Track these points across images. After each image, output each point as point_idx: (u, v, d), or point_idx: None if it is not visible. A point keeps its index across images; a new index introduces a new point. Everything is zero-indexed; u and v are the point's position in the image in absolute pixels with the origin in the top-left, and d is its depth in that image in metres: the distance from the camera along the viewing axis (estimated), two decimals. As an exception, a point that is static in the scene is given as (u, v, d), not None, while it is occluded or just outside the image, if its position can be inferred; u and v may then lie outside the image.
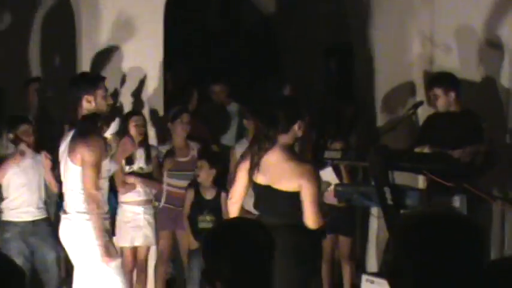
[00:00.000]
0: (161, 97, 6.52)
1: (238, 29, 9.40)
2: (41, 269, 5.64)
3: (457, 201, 5.26)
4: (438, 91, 5.80)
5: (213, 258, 2.31)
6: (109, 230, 4.96)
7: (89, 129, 4.80)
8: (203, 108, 6.98)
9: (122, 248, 5.86)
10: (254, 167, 4.39)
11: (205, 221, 5.86)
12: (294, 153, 4.43)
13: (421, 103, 6.07)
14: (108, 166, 4.89)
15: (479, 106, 5.93)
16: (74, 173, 4.76)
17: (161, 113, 6.47)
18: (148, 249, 6.04)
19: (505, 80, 6.15)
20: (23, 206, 5.60)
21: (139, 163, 5.92)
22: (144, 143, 5.92)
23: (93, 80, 5.01)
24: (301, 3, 8.96)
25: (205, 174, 5.85)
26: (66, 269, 6.00)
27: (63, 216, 4.87)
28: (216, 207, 5.90)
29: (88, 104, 4.81)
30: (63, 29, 7.69)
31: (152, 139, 6.29)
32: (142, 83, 6.45)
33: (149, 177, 5.94)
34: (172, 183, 6.04)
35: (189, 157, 6.05)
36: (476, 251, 1.99)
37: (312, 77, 8.32)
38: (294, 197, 4.33)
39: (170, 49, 6.70)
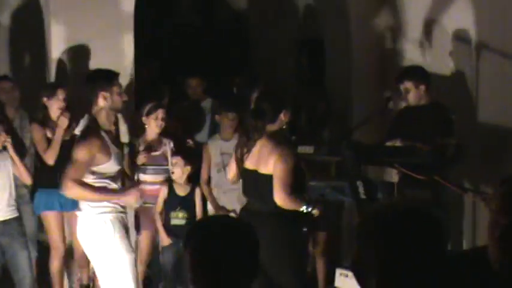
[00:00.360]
0: (132, 96, 6.42)
1: (210, 25, 9.39)
2: (12, 269, 5.56)
3: (428, 194, 5.32)
4: (409, 84, 5.83)
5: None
6: (126, 225, 4.94)
7: (92, 130, 4.77)
8: (178, 105, 6.96)
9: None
10: (242, 158, 4.78)
11: (178, 218, 5.84)
12: (279, 137, 4.73)
13: (391, 97, 6.13)
14: (112, 167, 4.82)
15: (448, 99, 5.98)
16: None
17: (132, 111, 6.37)
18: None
19: (472, 73, 6.19)
20: None
21: None
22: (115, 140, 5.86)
23: (109, 76, 4.98)
24: None
25: (180, 171, 5.84)
26: (39, 269, 5.99)
27: (77, 214, 4.87)
28: (189, 204, 5.89)
29: (104, 101, 4.80)
30: (32, 27, 7.64)
31: (124, 135, 6.22)
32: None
33: (121, 174, 5.80)
34: (147, 179, 5.99)
35: (161, 151, 6.01)
36: (435, 242, 1.99)
37: (283, 71, 8.35)
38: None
39: (141, 45, 6.67)
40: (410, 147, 5.56)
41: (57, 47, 6.34)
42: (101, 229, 4.73)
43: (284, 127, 4.84)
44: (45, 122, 5.95)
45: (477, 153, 6.00)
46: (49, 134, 5.89)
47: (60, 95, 5.91)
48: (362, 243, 2.04)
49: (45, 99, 5.93)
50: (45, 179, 5.84)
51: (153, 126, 5.96)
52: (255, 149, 4.73)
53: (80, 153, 4.64)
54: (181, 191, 5.89)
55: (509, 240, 2.19)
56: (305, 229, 4.90)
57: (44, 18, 6.56)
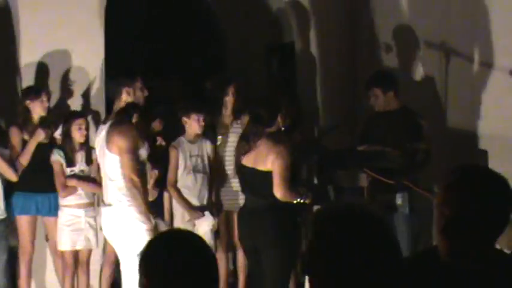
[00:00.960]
0: (103, 98, 6.45)
1: (184, 30, 9.43)
2: None
3: (399, 199, 5.41)
4: (377, 91, 5.85)
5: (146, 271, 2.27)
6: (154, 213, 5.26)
7: (123, 119, 5.12)
8: (154, 109, 6.88)
9: (62, 252, 5.83)
10: (239, 159, 5.17)
11: None
12: (277, 137, 5.03)
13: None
14: (144, 152, 5.25)
15: (417, 104, 5.99)
16: (112, 162, 5.02)
17: (103, 114, 6.37)
18: (89, 251, 5.98)
19: (441, 78, 6.19)
20: None
21: (81, 165, 5.87)
22: (85, 145, 5.88)
23: (132, 73, 5.42)
24: (246, 3, 8.98)
25: (151, 180, 5.83)
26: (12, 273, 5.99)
27: (103, 208, 5.13)
28: (157, 208, 5.86)
29: (127, 96, 5.22)
30: (2, 29, 7.57)
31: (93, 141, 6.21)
32: (83, 84, 6.40)
33: (90, 179, 5.89)
34: None
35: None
36: (379, 243, 1.97)
37: (255, 75, 8.38)
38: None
39: (112, 50, 6.65)
40: (380, 152, 5.62)
41: (27, 52, 6.31)
42: (128, 223, 4.99)
43: (282, 128, 5.17)
44: (25, 125, 5.91)
45: (446, 158, 5.99)
46: (27, 137, 5.85)
47: (44, 97, 5.91)
48: (311, 246, 2.03)
49: (28, 101, 5.89)
50: (23, 183, 5.81)
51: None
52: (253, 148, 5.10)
53: (129, 142, 4.99)
54: (149, 196, 5.80)
55: (453, 230, 2.25)
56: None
57: (13, 22, 6.49)
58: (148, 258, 2.26)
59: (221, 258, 6.29)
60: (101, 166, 5.24)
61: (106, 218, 5.13)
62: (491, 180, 2.31)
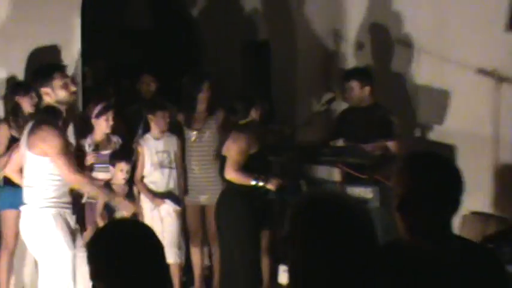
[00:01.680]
0: (79, 93, 6.35)
1: (160, 27, 9.44)
2: None
3: (369, 193, 5.40)
4: (354, 84, 5.87)
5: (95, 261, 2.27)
6: (69, 221, 4.87)
7: (43, 120, 4.71)
8: (128, 107, 6.95)
9: None
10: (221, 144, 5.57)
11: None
12: (244, 127, 5.34)
13: (333, 99, 6.21)
14: None
15: (389, 101, 6.03)
16: (34, 164, 4.73)
17: (79, 108, 6.35)
18: None
19: (412, 76, 6.29)
20: None
21: None
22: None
23: (47, 71, 4.87)
24: (222, 2, 9.00)
25: (122, 176, 5.88)
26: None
27: (23, 210, 4.84)
28: (130, 201, 5.89)
29: (47, 96, 4.75)
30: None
31: (70, 135, 6.13)
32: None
33: None
34: (98, 177, 5.94)
35: (110, 151, 6.04)
36: (358, 231, 1.99)
37: (230, 72, 8.39)
38: None
39: (89, 46, 6.60)
40: (353, 148, 5.68)
41: (2, 46, 6.18)
42: (42, 223, 4.71)
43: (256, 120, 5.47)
44: (15, 121, 5.85)
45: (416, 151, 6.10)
46: (15, 134, 5.76)
47: (33, 93, 5.75)
48: (289, 234, 2.03)
49: (17, 97, 5.83)
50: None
51: (103, 127, 5.96)
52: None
53: (55, 144, 4.63)
54: (119, 190, 5.87)
55: (406, 207, 2.31)
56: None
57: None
58: (94, 248, 2.26)
59: (195, 252, 6.40)
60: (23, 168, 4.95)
61: (23, 220, 4.90)
62: (439, 163, 2.39)
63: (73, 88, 4.88)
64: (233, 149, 5.29)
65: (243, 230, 5.17)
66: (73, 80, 5.10)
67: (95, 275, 2.21)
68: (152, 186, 6.12)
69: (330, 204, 2.04)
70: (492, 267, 2.39)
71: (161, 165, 6.10)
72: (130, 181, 6.03)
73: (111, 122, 5.98)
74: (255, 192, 5.25)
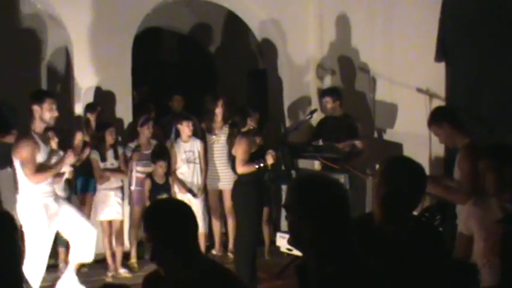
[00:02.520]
0: (130, 109, 6.57)
1: (186, 60, 9.32)
2: None
3: (342, 179, 5.38)
4: (328, 99, 5.95)
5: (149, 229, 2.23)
6: (47, 206, 4.73)
7: (21, 135, 4.61)
8: (163, 117, 6.92)
9: (101, 222, 5.87)
10: (231, 149, 5.46)
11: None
12: (245, 133, 5.24)
13: (315, 110, 6.21)
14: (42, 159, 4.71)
15: (354, 112, 6.14)
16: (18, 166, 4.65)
17: (130, 119, 6.48)
18: (121, 221, 5.99)
19: (370, 94, 6.35)
20: None
21: (111, 160, 5.89)
22: (114, 145, 5.93)
23: (40, 95, 4.68)
24: (231, 39, 9.01)
25: (162, 171, 5.96)
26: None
27: (17, 197, 4.77)
28: (167, 187, 6.01)
29: (36, 114, 4.56)
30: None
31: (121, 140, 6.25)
32: (115, 100, 6.48)
33: (118, 170, 5.93)
34: (139, 169, 6.05)
35: (150, 150, 6.10)
36: (334, 200, 1.93)
37: (238, 93, 8.36)
38: None
39: (137, 74, 6.73)
40: (329, 146, 5.76)
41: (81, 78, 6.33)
42: (24, 214, 4.63)
43: (252, 127, 5.37)
44: (87, 131, 5.92)
45: (375, 149, 6.10)
46: (87, 139, 5.84)
47: (97, 110, 5.89)
48: (291, 207, 1.98)
49: (88, 114, 5.92)
50: (85, 168, 5.84)
51: (145, 133, 6.05)
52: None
53: (22, 155, 4.55)
54: (160, 180, 6.00)
55: (387, 203, 2.32)
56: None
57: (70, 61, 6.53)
58: (149, 219, 2.21)
59: (216, 223, 6.39)
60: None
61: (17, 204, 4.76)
62: (407, 167, 2.34)
63: (56, 113, 4.65)
64: (239, 151, 5.17)
65: (251, 208, 5.08)
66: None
67: (151, 239, 2.18)
68: (181, 176, 6.16)
69: (313, 181, 1.98)
70: (435, 241, 2.37)
71: (188, 161, 6.14)
72: (168, 173, 6.11)
73: (151, 130, 6.08)
74: (259, 182, 5.16)
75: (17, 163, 4.68)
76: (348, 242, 1.91)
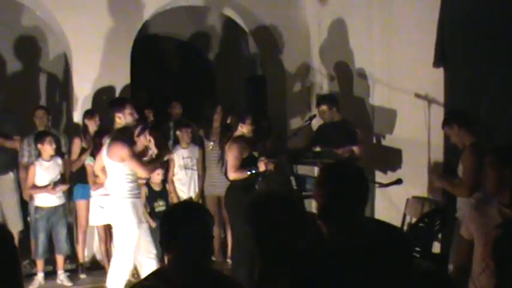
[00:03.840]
0: None
1: (185, 67, 9.37)
2: None
3: None
4: (324, 107, 5.93)
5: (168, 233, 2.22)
6: (136, 206, 4.98)
7: (119, 136, 4.96)
8: (163, 125, 6.92)
9: (96, 227, 5.87)
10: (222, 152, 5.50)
11: (160, 206, 5.89)
12: (236, 138, 5.22)
13: (314, 116, 6.17)
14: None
15: (353, 117, 6.14)
16: (111, 166, 4.90)
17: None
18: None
19: (369, 99, 6.32)
20: None
21: None
22: None
23: (121, 102, 5.10)
24: (230, 46, 9.05)
25: (158, 178, 5.92)
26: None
27: (108, 200, 5.01)
28: (164, 195, 5.97)
29: (119, 120, 4.99)
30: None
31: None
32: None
33: None
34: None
35: (148, 157, 5.93)
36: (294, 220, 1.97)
37: (237, 99, 8.40)
38: None
39: (136, 81, 6.75)
40: (328, 151, 5.69)
41: (79, 86, 6.37)
42: (121, 211, 4.87)
43: (244, 132, 5.26)
44: (84, 137, 5.93)
45: (373, 154, 6.13)
46: (84, 145, 5.88)
47: (97, 117, 5.93)
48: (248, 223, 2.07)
49: (86, 120, 5.95)
50: (82, 176, 5.86)
51: (142, 142, 5.86)
52: None
53: (128, 152, 4.88)
54: (157, 187, 5.95)
55: (325, 216, 2.20)
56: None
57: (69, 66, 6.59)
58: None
59: (215, 229, 6.24)
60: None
61: (109, 207, 5.06)
62: (346, 174, 2.20)
63: (136, 116, 5.10)
64: (229, 157, 5.16)
65: (243, 214, 5.04)
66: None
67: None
68: (178, 183, 6.13)
69: (269, 199, 2.06)
70: (398, 243, 2.24)
71: (186, 167, 6.13)
72: (165, 180, 6.07)
73: (148, 137, 5.89)
74: (251, 187, 5.09)
75: (112, 164, 4.91)
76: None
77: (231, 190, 5.20)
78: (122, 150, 4.86)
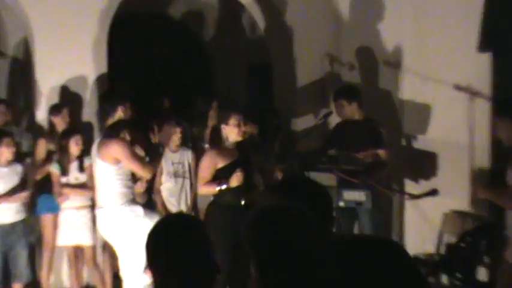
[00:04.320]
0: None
1: (176, 52, 9.43)
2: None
3: (363, 196, 5.42)
4: (343, 102, 5.85)
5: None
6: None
7: (113, 133, 5.09)
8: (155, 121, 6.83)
9: (66, 248, 5.85)
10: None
11: None
12: (215, 145, 5.21)
13: (330, 113, 6.14)
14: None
15: (378, 114, 6.06)
16: (103, 170, 5.01)
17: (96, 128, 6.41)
18: (93, 246, 5.85)
19: (398, 92, 6.33)
20: None
21: (75, 174, 5.76)
22: (80, 156, 5.78)
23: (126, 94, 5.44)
24: (229, 30, 9.09)
25: (141, 188, 5.82)
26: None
27: (98, 211, 5.12)
28: (151, 207, 5.82)
29: (121, 113, 5.31)
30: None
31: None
32: (81, 106, 6.43)
33: (83, 185, 5.76)
34: None
35: None
36: (298, 236, 1.94)
37: (236, 92, 8.47)
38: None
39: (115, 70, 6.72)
40: (347, 156, 5.63)
41: (44, 74, 6.35)
42: (120, 221, 5.01)
43: (227, 137, 5.14)
44: (51, 137, 5.97)
45: (403, 160, 6.15)
46: (51, 147, 5.89)
47: (65, 113, 6.03)
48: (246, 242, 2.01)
49: (52, 117, 6.01)
50: (48, 186, 5.85)
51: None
52: None
53: (126, 151, 5.06)
54: (140, 199, 5.78)
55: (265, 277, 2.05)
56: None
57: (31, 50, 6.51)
58: (151, 245, 2.18)
59: None
60: (95, 173, 5.18)
61: (100, 219, 5.10)
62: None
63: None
64: (201, 166, 5.17)
65: (224, 238, 4.80)
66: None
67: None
68: (166, 193, 6.10)
69: (269, 218, 1.99)
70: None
71: (176, 175, 6.09)
72: (150, 191, 6.00)
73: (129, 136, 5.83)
74: (236, 206, 5.00)
75: (104, 168, 5.08)
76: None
77: (212, 207, 5.15)
78: (118, 149, 4.95)
